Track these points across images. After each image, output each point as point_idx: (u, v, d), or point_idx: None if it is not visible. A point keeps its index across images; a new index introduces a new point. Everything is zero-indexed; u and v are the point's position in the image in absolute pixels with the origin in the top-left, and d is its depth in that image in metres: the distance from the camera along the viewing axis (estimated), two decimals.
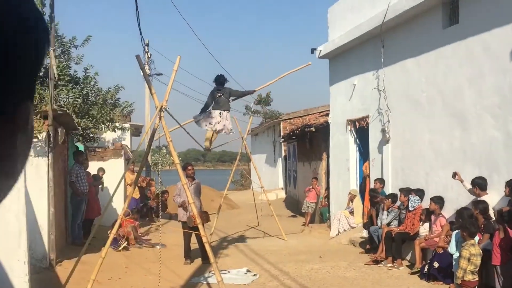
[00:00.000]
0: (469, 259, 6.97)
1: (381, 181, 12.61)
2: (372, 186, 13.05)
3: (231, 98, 11.55)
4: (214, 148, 13.48)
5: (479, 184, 9.08)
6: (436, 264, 9.40)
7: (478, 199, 8.87)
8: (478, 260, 7.01)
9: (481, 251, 7.19)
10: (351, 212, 14.55)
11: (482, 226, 8.44)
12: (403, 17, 11.71)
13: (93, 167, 15.27)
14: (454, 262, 8.26)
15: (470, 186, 9.49)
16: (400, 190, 11.46)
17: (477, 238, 8.06)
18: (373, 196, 12.40)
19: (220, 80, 11.48)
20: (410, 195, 11.07)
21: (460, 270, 7.02)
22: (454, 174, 9.79)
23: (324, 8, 16.51)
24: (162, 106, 8.43)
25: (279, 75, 12.89)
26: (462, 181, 9.63)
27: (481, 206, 8.56)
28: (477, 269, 7.03)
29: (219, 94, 11.22)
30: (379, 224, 11.84)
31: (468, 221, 7.79)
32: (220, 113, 11.11)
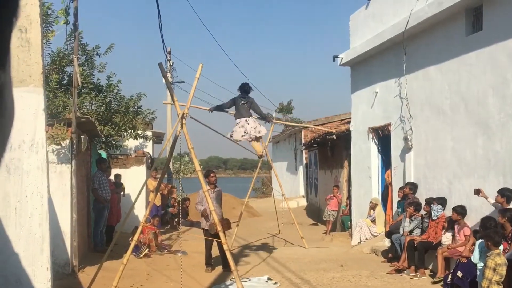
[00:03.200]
0: (494, 269, 6.84)
1: (412, 185, 12.22)
2: (398, 194, 12.87)
3: (251, 110, 11.55)
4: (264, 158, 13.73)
5: (508, 196, 8.93)
6: (459, 274, 9.25)
7: (506, 207, 8.73)
8: (503, 270, 6.88)
9: (506, 261, 7.06)
10: (373, 221, 14.44)
11: (510, 234, 8.29)
12: (426, 24, 11.62)
13: (113, 174, 15.37)
14: (478, 272, 8.12)
15: (493, 200, 9.36)
16: (425, 200, 11.34)
17: (501, 247, 7.93)
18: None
19: (244, 89, 11.47)
20: (432, 204, 10.96)
21: (485, 281, 6.89)
22: (478, 191, 9.66)
23: (346, 15, 16.51)
24: (184, 114, 8.46)
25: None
26: (486, 198, 9.51)
27: (509, 214, 8.41)
28: (502, 279, 6.91)
29: (243, 102, 11.20)
30: (401, 231, 11.72)
31: (493, 230, 7.66)
32: (246, 120, 11.09)
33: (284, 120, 44.80)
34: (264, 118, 12.52)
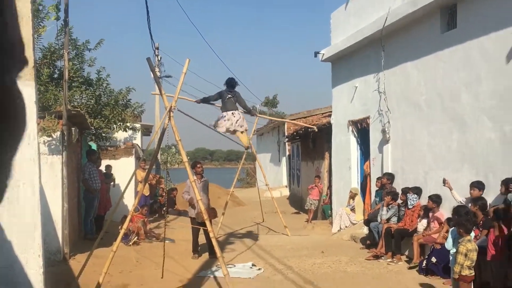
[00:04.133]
0: (466, 255, 6.92)
1: (389, 176, 12.34)
2: (376, 184, 12.94)
3: (237, 104, 11.56)
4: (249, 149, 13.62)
5: (479, 187, 9.05)
6: (434, 259, 9.38)
7: (477, 196, 8.85)
8: (474, 256, 6.96)
9: (477, 247, 7.15)
10: (352, 209, 14.53)
11: (481, 222, 8.40)
12: (403, 22, 11.68)
13: (104, 165, 15.32)
14: (451, 258, 8.21)
15: (459, 197, 9.52)
16: (402, 190, 11.44)
17: (473, 234, 8.02)
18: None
19: (231, 83, 11.48)
20: (408, 194, 11.06)
21: (457, 265, 6.97)
22: (444, 181, 9.82)
23: (328, 13, 16.47)
24: (171, 107, 8.42)
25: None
26: (451, 189, 9.67)
27: (480, 202, 8.54)
28: (473, 264, 6.99)
29: (229, 96, 11.22)
30: (379, 220, 11.83)
31: (464, 217, 7.75)
32: (232, 113, 11.10)
33: (268, 114, 44.93)
34: (249, 111, 12.54)
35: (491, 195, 8.89)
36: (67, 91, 10.67)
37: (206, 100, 11.59)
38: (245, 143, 11.74)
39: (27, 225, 3.87)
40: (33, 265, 3.90)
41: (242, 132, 11.33)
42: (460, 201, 9.50)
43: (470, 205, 8.74)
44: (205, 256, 11.47)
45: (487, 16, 9.27)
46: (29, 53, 3.86)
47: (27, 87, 3.89)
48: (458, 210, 8.69)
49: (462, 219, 7.38)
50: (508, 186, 8.08)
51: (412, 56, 11.64)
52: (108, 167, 15.56)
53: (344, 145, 15.25)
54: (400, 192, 11.52)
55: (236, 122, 11.03)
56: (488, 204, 8.67)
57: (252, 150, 16.74)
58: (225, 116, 11.04)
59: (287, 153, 29.41)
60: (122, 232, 8.71)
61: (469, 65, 9.76)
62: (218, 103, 11.52)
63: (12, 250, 3.86)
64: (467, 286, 7.02)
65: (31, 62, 3.91)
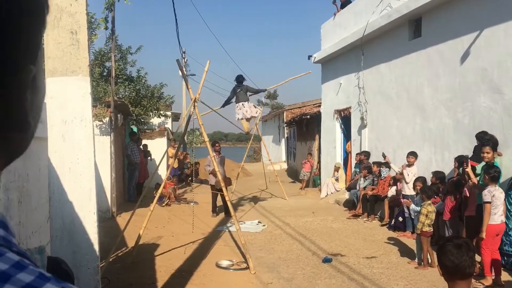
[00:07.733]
0: (426, 215, 6.91)
1: (366, 153, 12.26)
2: (355, 159, 12.88)
3: (248, 93, 11.45)
4: (251, 131, 13.38)
5: (415, 156, 9.38)
6: (400, 219, 9.37)
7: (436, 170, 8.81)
8: (433, 216, 6.95)
9: (435, 209, 7.14)
10: (337, 179, 14.52)
11: (441, 189, 8.36)
12: (379, 32, 11.54)
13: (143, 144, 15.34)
14: (414, 217, 8.21)
15: (397, 168, 9.59)
16: (373, 163, 11.41)
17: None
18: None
19: (239, 79, 11.39)
20: (381, 168, 11.02)
21: (419, 223, 6.96)
22: (384, 156, 9.88)
23: (319, 24, 16.27)
24: (195, 98, 8.38)
25: (284, 77, 12.76)
26: (390, 163, 9.75)
27: (440, 175, 8.51)
28: (432, 223, 6.99)
29: (239, 90, 11.14)
30: (358, 188, 11.80)
31: (426, 187, 7.72)
32: (242, 104, 11.03)
33: (271, 104, 44.70)
34: (261, 91, 12.46)
35: (446, 169, 8.85)
36: (114, 86, 10.65)
37: (227, 102, 11.41)
38: (245, 129, 11.53)
39: (85, 189, 3.88)
40: (89, 220, 3.92)
41: (248, 121, 11.26)
42: (397, 171, 9.56)
43: (431, 176, 8.68)
44: (222, 215, 11.52)
45: (445, 27, 9.13)
46: (85, 53, 3.83)
47: (84, 81, 3.87)
48: (417, 180, 8.67)
49: (423, 187, 7.35)
50: (460, 162, 8.03)
51: (385, 59, 11.51)
52: (145, 146, 15.59)
53: (331, 129, 15.19)
54: (373, 165, 11.46)
55: (246, 112, 10.97)
56: (445, 176, 8.63)
57: (258, 132, 16.68)
58: (237, 107, 10.99)
59: (286, 135, 29.31)
60: (157, 196, 8.72)
61: (430, 66, 9.65)
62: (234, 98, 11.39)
63: (73, 208, 3.88)
64: (427, 239, 7.01)
65: (86, 61, 3.89)
